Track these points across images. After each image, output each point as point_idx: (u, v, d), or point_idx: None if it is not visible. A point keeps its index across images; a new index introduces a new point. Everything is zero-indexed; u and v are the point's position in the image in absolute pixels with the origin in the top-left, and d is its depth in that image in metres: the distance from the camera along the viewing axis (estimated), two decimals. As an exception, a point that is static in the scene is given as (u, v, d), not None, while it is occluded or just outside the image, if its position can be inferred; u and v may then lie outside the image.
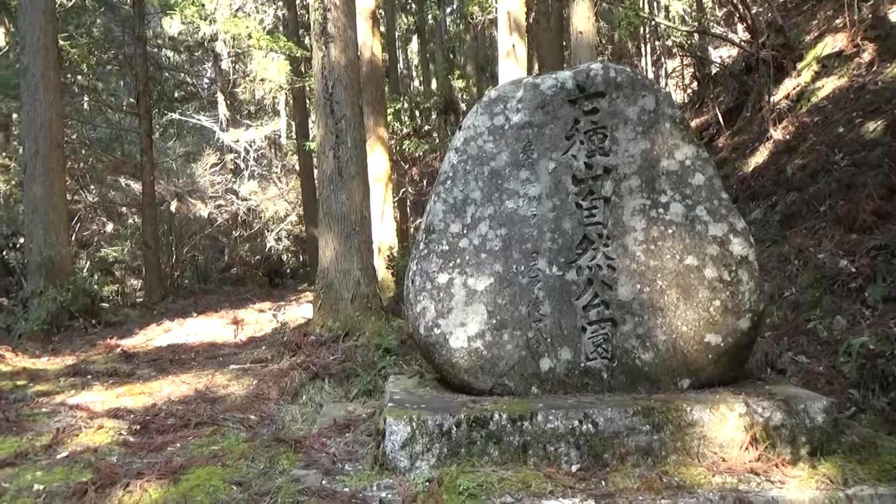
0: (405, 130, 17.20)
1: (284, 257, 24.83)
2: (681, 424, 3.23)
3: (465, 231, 3.70)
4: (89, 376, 6.67)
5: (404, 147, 16.68)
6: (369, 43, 11.11)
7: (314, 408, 5.38)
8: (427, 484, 3.04)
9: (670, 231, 3.60)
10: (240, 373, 6.65)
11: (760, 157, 9.01)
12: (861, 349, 4.54)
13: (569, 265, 3.64)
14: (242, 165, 22.07)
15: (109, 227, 20.65)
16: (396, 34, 22.95)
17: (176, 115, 21.23)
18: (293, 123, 20.88)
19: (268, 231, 22.95)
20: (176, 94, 22.15)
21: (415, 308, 3.68)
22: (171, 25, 13.75)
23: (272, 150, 24.30)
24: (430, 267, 3.68)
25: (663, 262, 3.58)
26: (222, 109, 21.93)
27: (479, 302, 3.61)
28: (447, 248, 3.69)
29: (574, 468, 3.17)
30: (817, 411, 3.28)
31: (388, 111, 15.18)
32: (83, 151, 18.49)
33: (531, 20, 15.67)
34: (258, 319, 10.97)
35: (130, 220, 21.32)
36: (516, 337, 3.60)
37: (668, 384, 3.56)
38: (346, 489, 3.12)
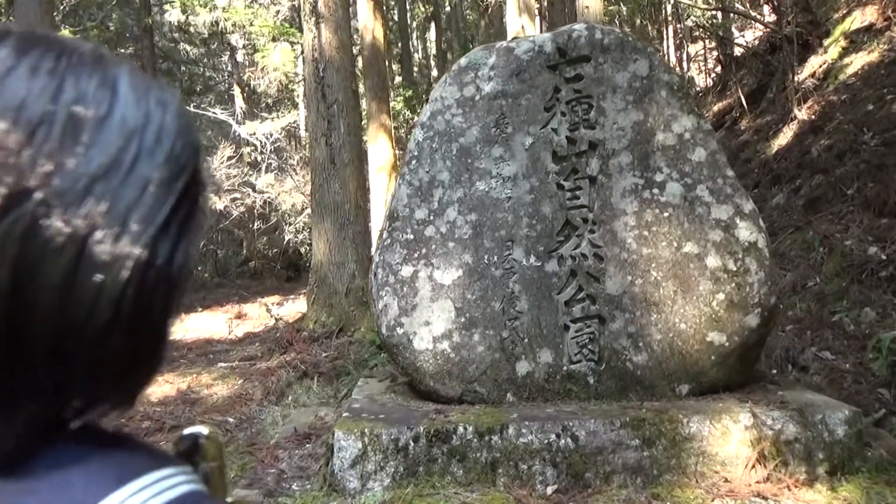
0: (416, 119, 16.79)
1: (302, 250, 24.58)
2: (676, 439, 2.79)
3: (431, 217, 3.27)
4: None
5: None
6: (370, 26, 10.65)
7: (299, 409, 5.10)
8: (377, 508, 2.64)
9: (666, 214, 3.13)
10: (227, 371, 6.39)
11: (784, 138, 8.45)
12: (892, 344, 4.24)
13: (549, 255, 3.19)
14: (259, 158, 21.86)
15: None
16: (414, 23, 22.52)
17: (191, 109, 21.08)
18: (309, 114, 20.61)
19: (285, 224, 22.72)
20: (194, 87, 21.95)
21: (377, 304, 3.27)
22: (172, 14, 13.45)
23: (290, 143, 24.04)
24: (394, 258, 3.26)
25: (658, 250, 3.12)
26: (239, 102, 21.70)
27: (446, 297, 3.19)
28: (412, 236, 3.27)
29: (550, 490, 2.75)
30: (838, 423, 2.81)
31: (399, 99, 14.71)
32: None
33: (546, 2, 15.17)
34: (261, 314, 10.65)
35: (146, 215, 21.25)
36: (489, 337, 3.16)
37: (664, 390, 3.11)
38: (287, 513, 2.74)
